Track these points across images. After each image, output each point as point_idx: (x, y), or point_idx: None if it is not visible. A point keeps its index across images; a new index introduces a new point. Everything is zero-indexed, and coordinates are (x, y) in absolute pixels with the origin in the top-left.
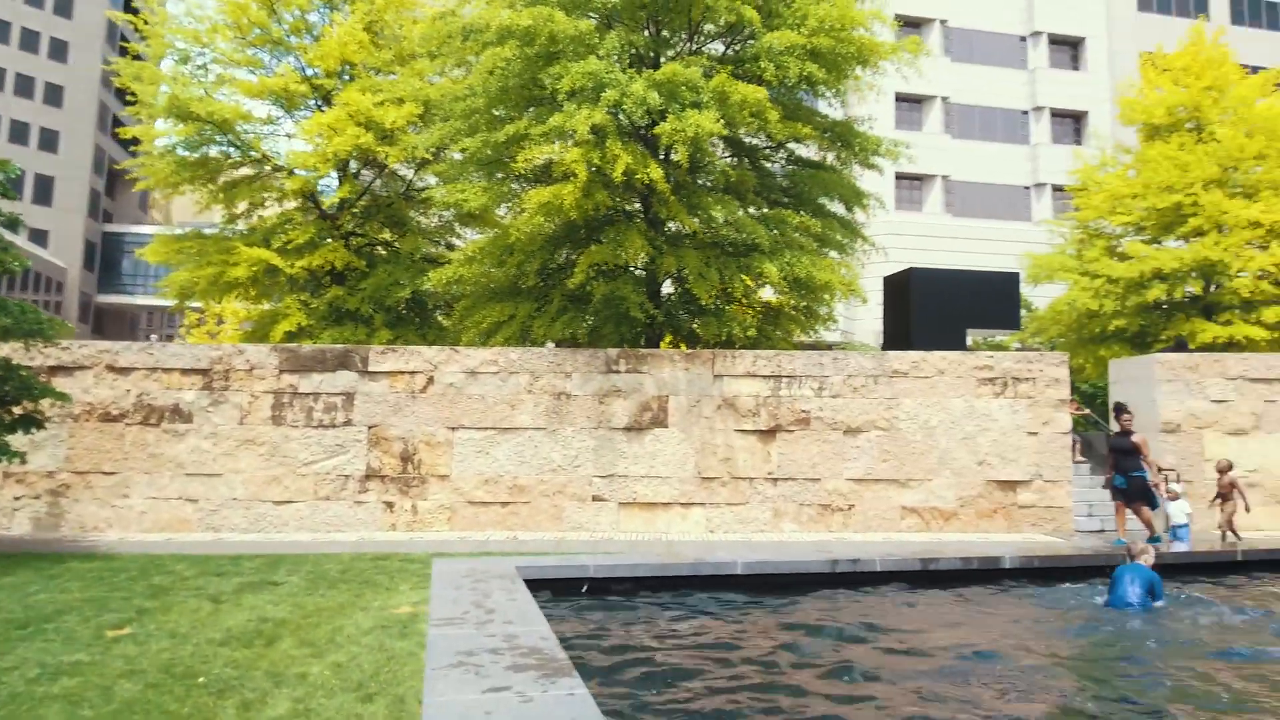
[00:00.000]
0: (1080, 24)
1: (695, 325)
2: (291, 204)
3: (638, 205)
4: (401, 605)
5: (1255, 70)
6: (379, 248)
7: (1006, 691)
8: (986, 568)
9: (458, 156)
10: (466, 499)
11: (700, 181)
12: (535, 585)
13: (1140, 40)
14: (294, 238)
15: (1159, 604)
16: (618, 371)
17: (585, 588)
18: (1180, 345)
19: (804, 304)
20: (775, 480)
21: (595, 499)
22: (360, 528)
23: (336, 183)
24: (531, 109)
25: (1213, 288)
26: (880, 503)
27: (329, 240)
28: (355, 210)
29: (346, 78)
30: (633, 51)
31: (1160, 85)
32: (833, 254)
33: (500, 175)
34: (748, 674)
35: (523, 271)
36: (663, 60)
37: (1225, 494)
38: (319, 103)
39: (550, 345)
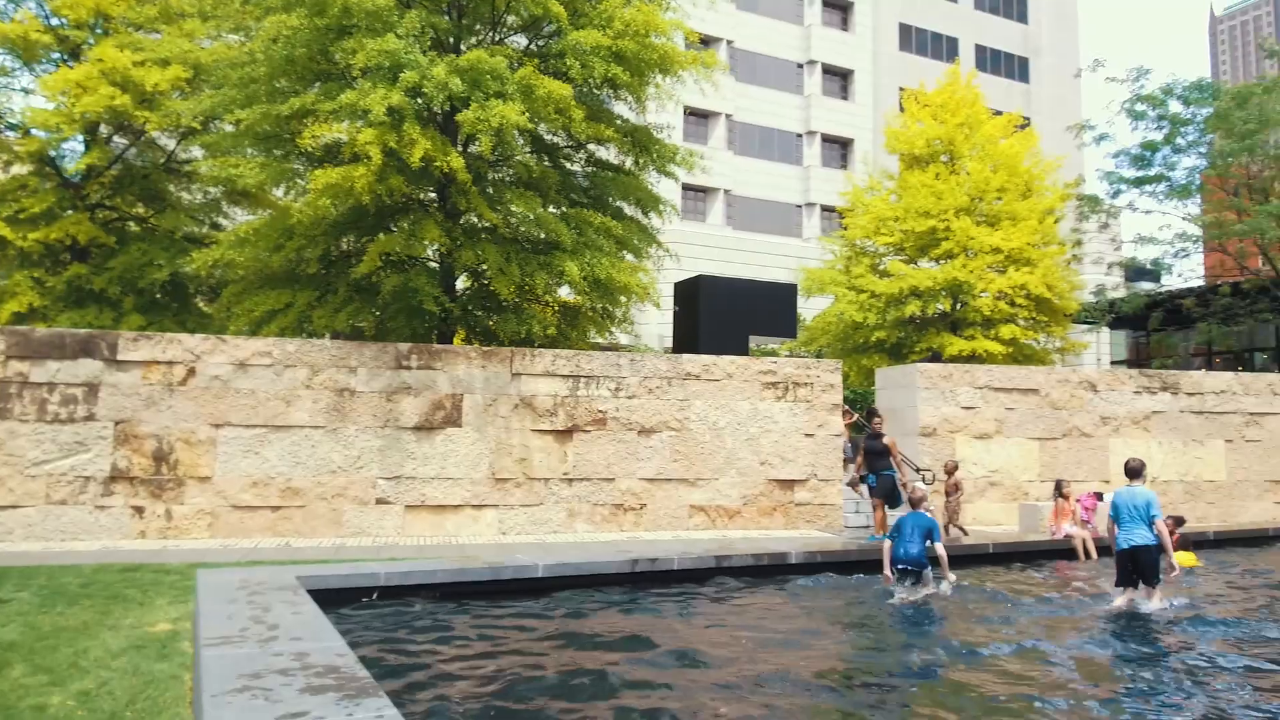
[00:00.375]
0: (850, 57)
1: (493, 322)
2: (25, 168)
3: (433, 195)
4: (158, 622)
5: (997, 113)
6: (132, 223)
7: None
8: (776, 563)
9: (230, 128)
10: (231, 503)
11: (502, 176)
12: (321, 597)
13: (900, 77)
14: (27, 206)
15: (938, 545)
16: (409, 367)
17: (375, 596)
18: (935, 356)
19: (603, 305)
20: (571, 481)
21: (380, 502)
22: (103, 535)
23: (83, 148)
24: (320, 83)
25: (959, 306)
26: (670, 502)
27: (70, 212)
28: (104, 180)
29: (101, 31)
30: (433, 35)
31: (921, 119)
32: (630, 257)
33: (280, 152)
34: (559, 681)
35: (303, 257)
36: (464, 47)
37: (950, 492)
38: (65, 57)
39: (328, 337)
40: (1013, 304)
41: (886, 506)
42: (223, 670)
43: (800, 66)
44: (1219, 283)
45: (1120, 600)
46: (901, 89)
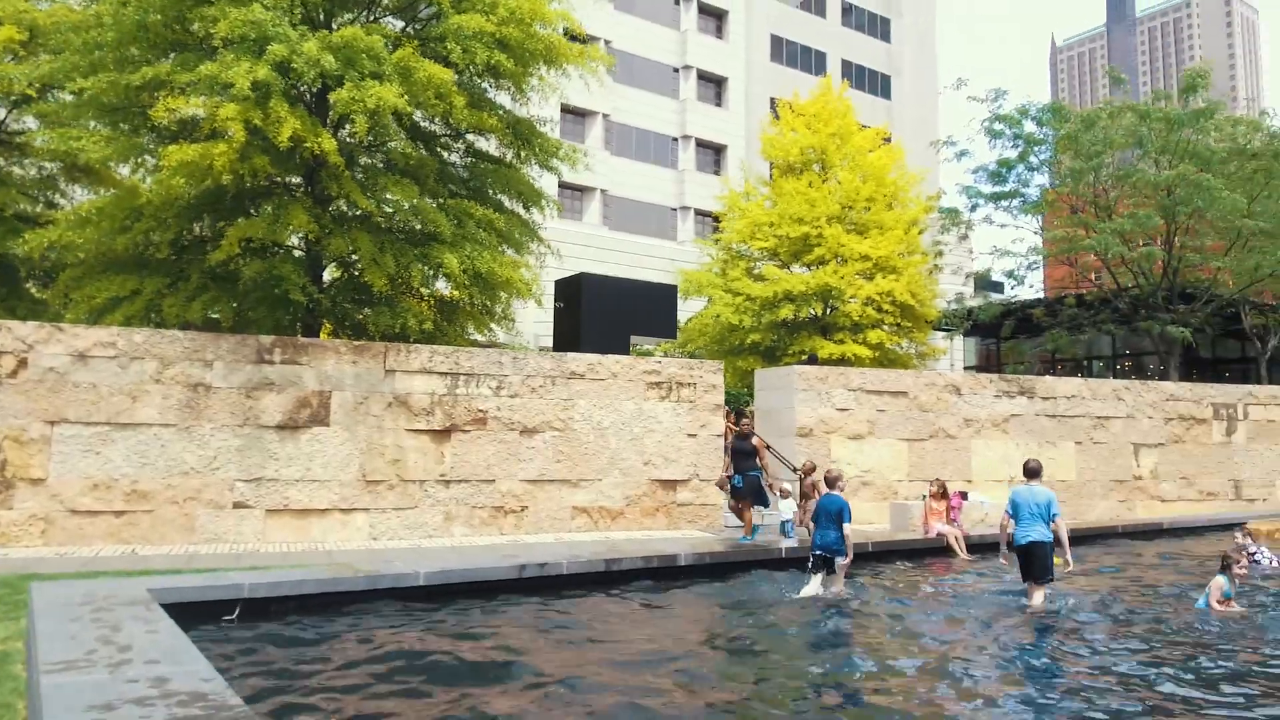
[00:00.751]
0: (724, 64)
1: (364, 316)
2: None
3: (301, 179)
4: None
5: (864, 127)
6: None
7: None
8: (666, 565)
9: (71, 98)
10: (69, 508)
11: (376, 161)
12: (177, 611)
13: (771, 87)
14: None
15: (846, 527)
16: (271, 362)
17: (237, 614)
18: (812, 359)
19: (483, 300)
20: (448, 482)
21: (238, 506)
22: None
23: None
24: (175, 53)
25: (830, 310)
26: (553, 503)
27: None
28: None
29: None
30: (303, 9)
31: (795, 128)
32: (511, 252)
33: (128, 126)
34: (447, 699)
35: (152, 241)
36: (335, 24)
37: (807, 494)
38: None
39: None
40: (880, 310)
41: (751, 507)
42: (66, 701)
43: (676, 71)
44: (1065, 294)
45: (1036, 598)
46: (773, 99)
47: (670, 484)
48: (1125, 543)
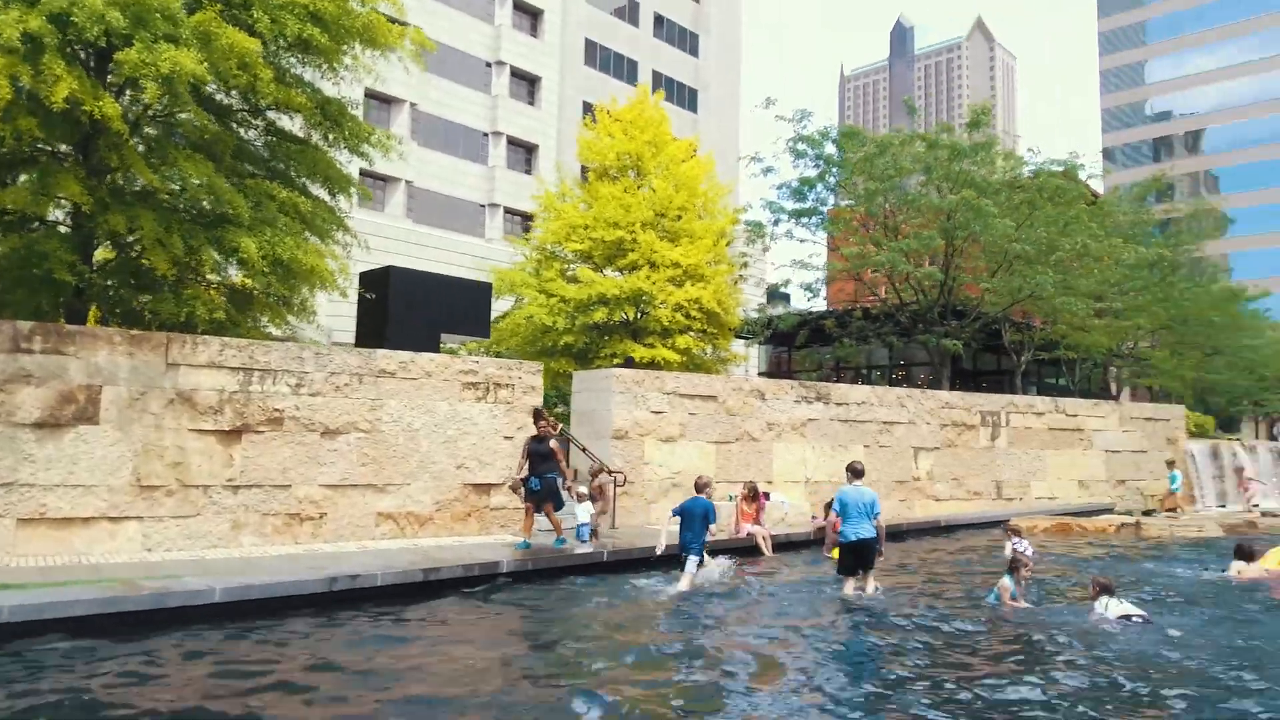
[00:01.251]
0: (538, 63)
1: (142, 302)
2: None
3: (71, 147)
4: None
5: (676, 139)
6: None
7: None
8: (487, 573)
9: None
10: None
11: (161, 132)
12: None
13: (584, 90)
14: None
15: (713, 527)
16: (30, 351)
17: None
18: (630, 362)
19: (281, 290)
20: (237, 488)
21: None
22: None
23: None
24: None
25: (642, 315)
26: (356, 510)
27: None
28: None
29: None
30: None
31: (612, 133)
32: (314, 240)
33: None
34: None
35: None
36: None
37: (595, 495)
38: None
39: None
40: (688, 316)
41: (552, 509)
42: None
43: (489, 65)
44: (855, 307)
45: (848, 588)
46: (586, 102)
47: (484, 488)
48: (912, 539)
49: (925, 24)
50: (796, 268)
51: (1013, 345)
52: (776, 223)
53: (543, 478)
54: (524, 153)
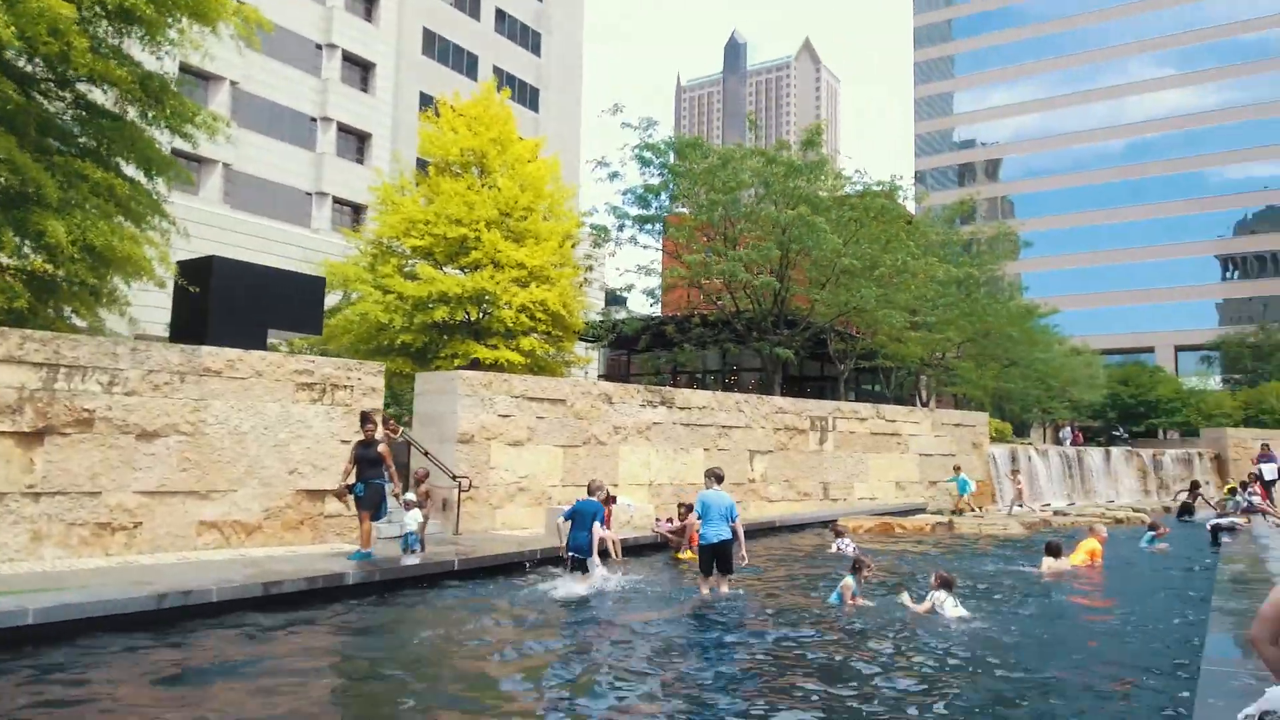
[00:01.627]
0: (373, 49)
1: None
2: None
3: None
4: None
5: (522, 138)
6: None
7: None
8: (332, 585)
9: None
10: None
11: None
12: None
13: (422, 81)
14: None
15: (597, 527)
16: None
17: None
18: (476, 364)
19: (91, 279)
20: (39, 495)
21: None
22: None
23: None
24: None
25: (484, 315)
26: (175, 518)
27: None
28: None
29: None
30: None
31: (456, 128)
32: (129, 225)
33: None
34: None
35: None
36: None
37: (421, 503)
38: None
39: None
40: (533, 318)
41: (373, 518)
42: None
43: (320, 48)
44: (694, 313)
45: (704, 588)
46: (423, 93)
47: (319, 495)
48: (750, 540)
49: (757, 42)
50: (641, 273)
51: (837, 354)
52: (621, 228)
53: (369, 484)
54: (356, 141)
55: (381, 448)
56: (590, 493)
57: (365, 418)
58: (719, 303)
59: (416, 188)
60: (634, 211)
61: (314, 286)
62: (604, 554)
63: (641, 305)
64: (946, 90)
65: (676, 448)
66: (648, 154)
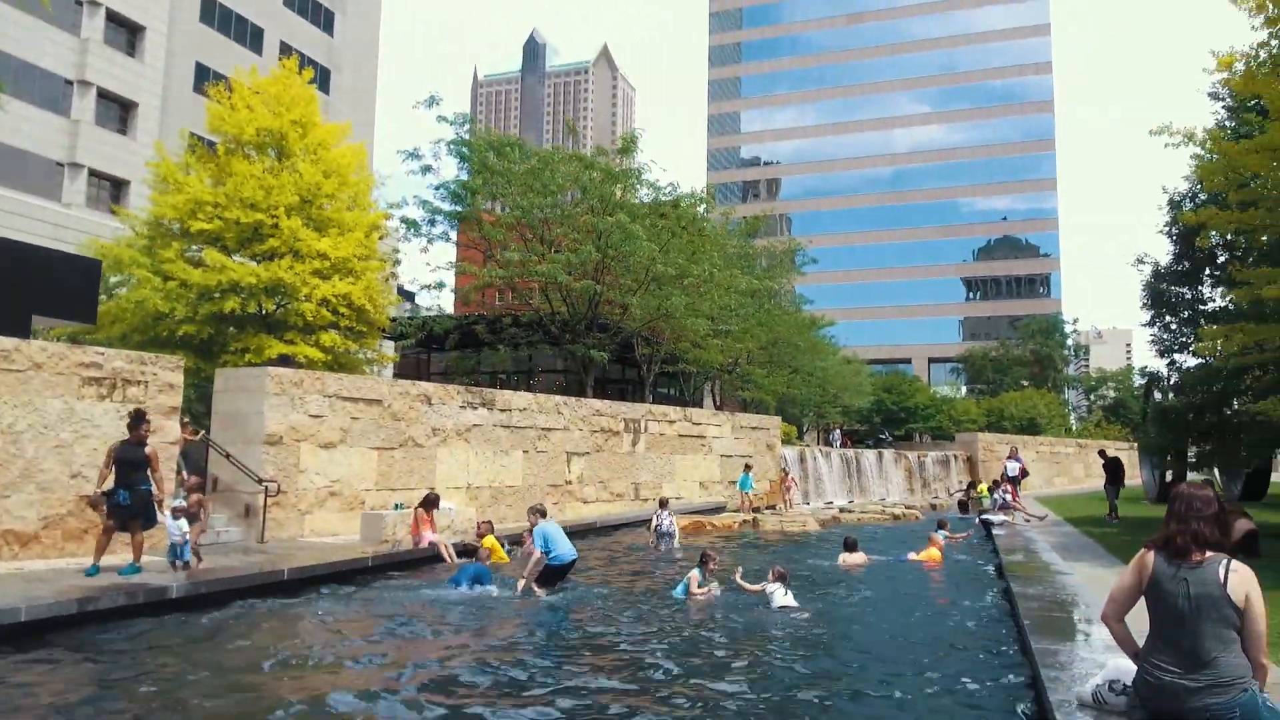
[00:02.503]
0: (142, 10)
1: None
2: None
3: None
4: None
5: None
6: None
7: None
8: (155, 599)
9: None
10: None
11: None
12: None
13: (201, 51)
14: None
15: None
16: None
17: None
18: (285, 360)
19: None
20: None
21: None
22: None
23: None
24: None
25: (280, 308)
26: None
27: None
28: None
29: None
30: None
31: (252, 106)
32: None
33: None
34: None
35: None
36: None
37: (193, 512)
38: None
39: None
40: (335, 312)
41: (143, 527)
42: None
43: (80, 4)
44: (504, 313)
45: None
46: (200, 64)
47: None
48: (579, 540)
49: (557, 44)
50: (454, 270)
51: (642, 357)
52: (433, 222)
53: (134, 490)
54: (119, 109)
55: (149, 449)
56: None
57: (139, 416)
58: (531, 303)
59: (203, 166)
60: (446, 207)
61: (88, 269)
62: (437, 557)
63: (448, 303)
64: (735, 110)
65: (496, 450)
66: (466, 150)
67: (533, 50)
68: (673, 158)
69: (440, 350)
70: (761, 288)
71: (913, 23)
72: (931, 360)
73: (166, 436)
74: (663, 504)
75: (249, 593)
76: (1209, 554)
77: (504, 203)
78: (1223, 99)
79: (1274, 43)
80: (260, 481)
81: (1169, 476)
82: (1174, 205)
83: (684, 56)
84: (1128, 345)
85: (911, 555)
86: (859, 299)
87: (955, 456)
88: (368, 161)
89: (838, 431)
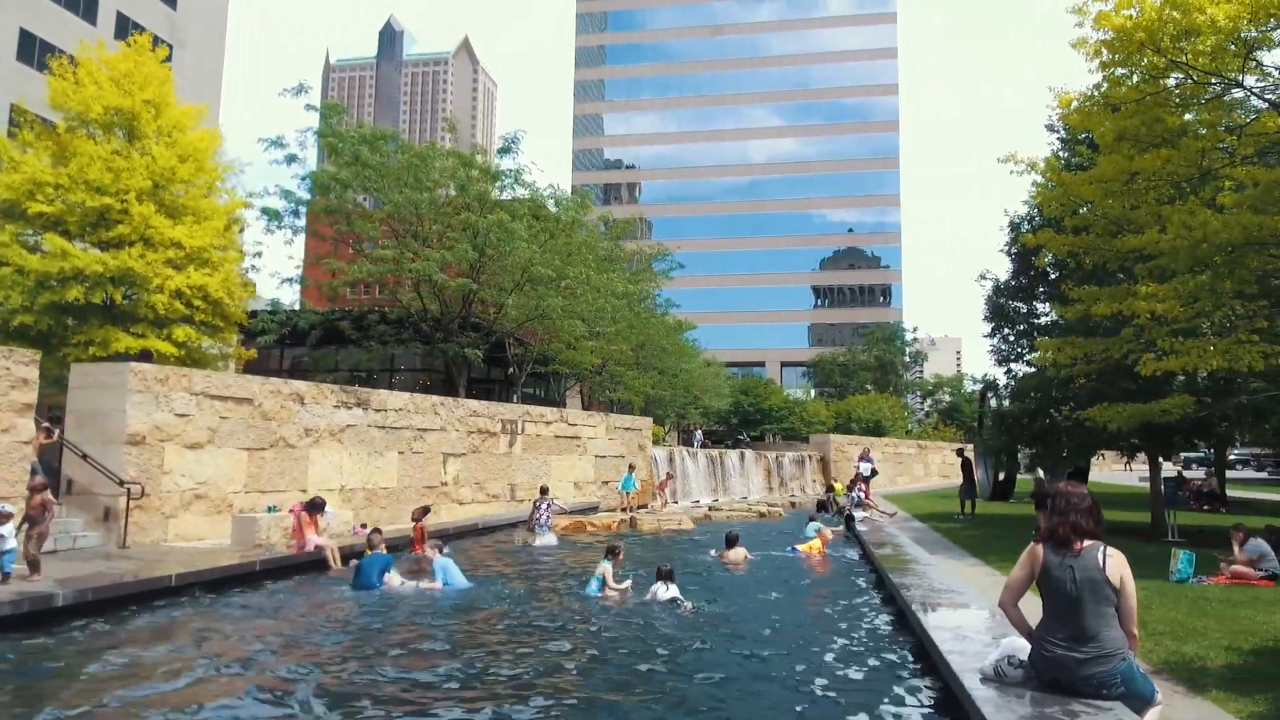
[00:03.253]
0: None
1: None
2: None
3: None
4: None
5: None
6: None
7: None
8: (40, 609)
9: None
10: None
11: None
12: None
13: (21, 16)
14: None
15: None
16: None
17: None
18: (145, 356)
19: None
20: None
21: None
22: None
23: None
24: None
25: (129, 299)
26: None
27: None
28: None
29: None
30: None
31: (100, 81)
32: None
33: None
34: None
35: None
36: None
37: (35, 517)
38: None
39: None
40: (189, 305)
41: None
42: None
43: None
44: (371, 309)
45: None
46: (24, 30)
47: None
48: (467, 539)
49: (415, 32)
50: (318, 264)
51: (515, 358)
52: (296, 214)
53: None
54: None
55: None
56: (371, 548)
57: None
58: (401, 300)
59: (41, 143)
60: (310, 199)
61: None
62: (323, 563)
63: (305, 298)
64: (599, 112)
65: (371, 451)
66: (338, 142)
67: (389, 36)
68: (539, 156)
69: (298, 346)
70: (635, 291)
71: (771, 38)
72: (784, 364)
73: (19, 436)
74: (543, 491)
75: (130, 600)
76: (1087, 542)
77: (377, 198)
78: (1057, 130)
79: (1106, 84)
80: (122, 483)
81: (1001, 476)
82: (1014, 227)
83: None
84: (958, 353)
85: (798, 546)
86: (716, 303)
87: (809, 457)
88: (220, 147)
89: (699, 432)
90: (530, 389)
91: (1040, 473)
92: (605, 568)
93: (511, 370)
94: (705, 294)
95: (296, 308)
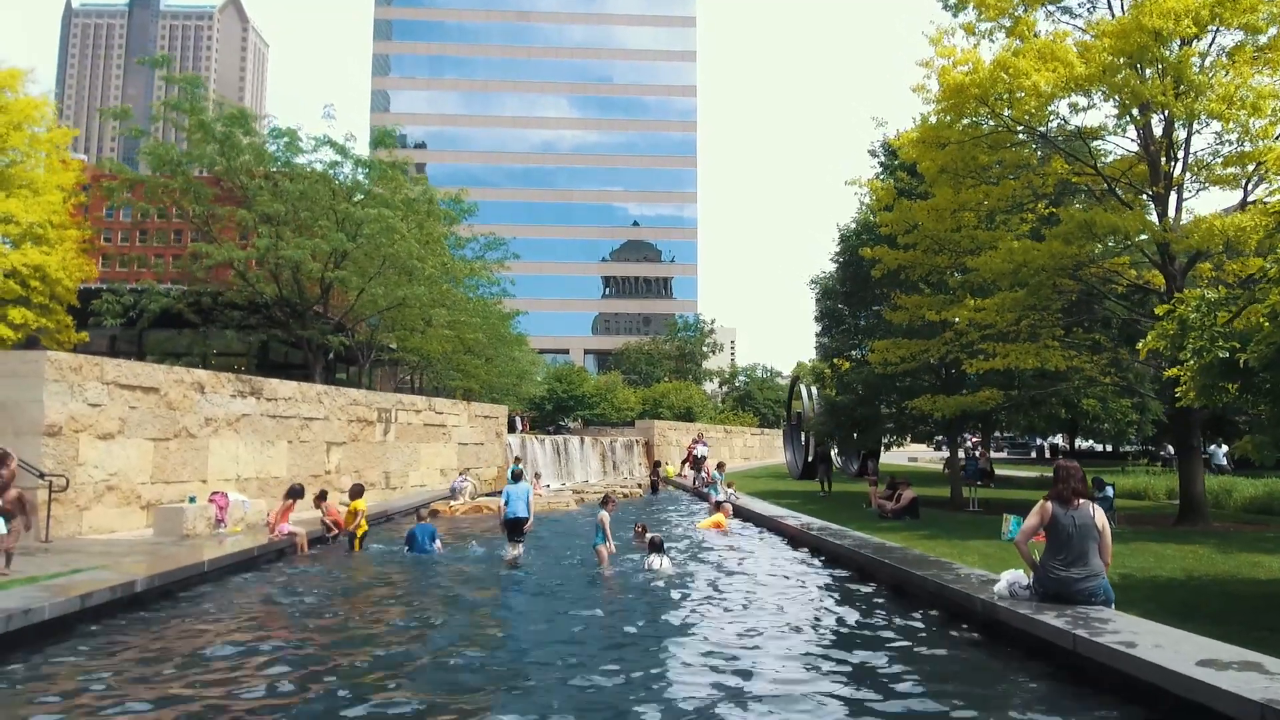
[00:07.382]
0: None
1: None
2: None
3: None
4: None
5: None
6: None
7: None
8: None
9: None
10: None
11: None
12: None
13: None
14: None
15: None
16: None
17: None
18: (33, 342)
19: None
20: None
21: None
22: None
23: None
24: None
25: None
26: None
27: None
28: None
29: None
30: None
31: None
32: None
33: None
34: None
35: None
36: None
37: (9, 511)
38: None
39: None
40: (25, 285)
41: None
42: None
43: None
44: (219, 293)
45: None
46: None
47: None
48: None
49: None
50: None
51: (359, 345)
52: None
53: None
54: None
55: None
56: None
57: None
58: (252, 284)
59: None
60: (159, 178)
61: None
62: (295, 548)
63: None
64: (389, 87)
65: (263, 440)
66: (205, 120)
67: None
68: (339, 130)
69: (129, 327)
70: (481, 278)
71: (575, 29)
72: (587, 351)
73: None
74: (462, 473)
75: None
76: (1081, 501)
77: (238, 181)
78: (879, 155)
79: (933, 119)
80: (43, 476)
81: (810, 458)
82: (844, 239)
83: (341, 22)
84: (732, 342)
85: (700, 524)
86: (524, 290)
87: (636, 441)
88: (49, 114)
89: (518, 419)
90: (342, 375)
91: (835, 450)
92: (603, 516)
93: (363, 357)
94: (517, 281)
95: (144, 288)
